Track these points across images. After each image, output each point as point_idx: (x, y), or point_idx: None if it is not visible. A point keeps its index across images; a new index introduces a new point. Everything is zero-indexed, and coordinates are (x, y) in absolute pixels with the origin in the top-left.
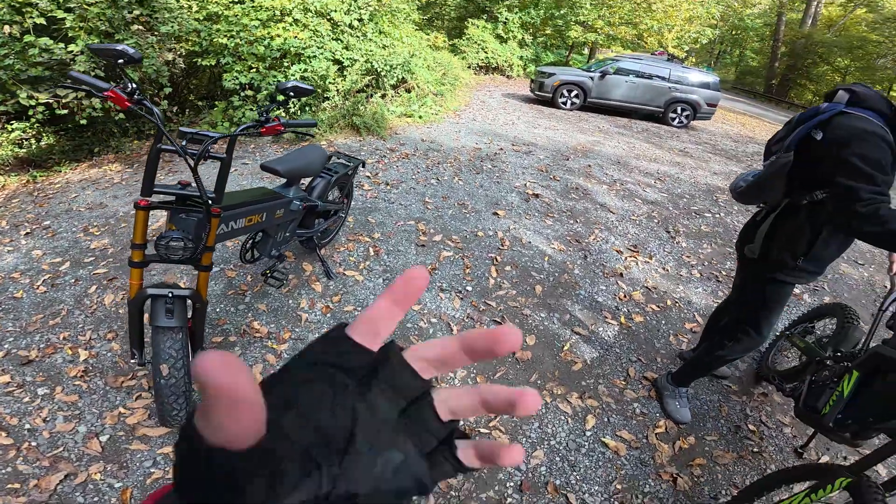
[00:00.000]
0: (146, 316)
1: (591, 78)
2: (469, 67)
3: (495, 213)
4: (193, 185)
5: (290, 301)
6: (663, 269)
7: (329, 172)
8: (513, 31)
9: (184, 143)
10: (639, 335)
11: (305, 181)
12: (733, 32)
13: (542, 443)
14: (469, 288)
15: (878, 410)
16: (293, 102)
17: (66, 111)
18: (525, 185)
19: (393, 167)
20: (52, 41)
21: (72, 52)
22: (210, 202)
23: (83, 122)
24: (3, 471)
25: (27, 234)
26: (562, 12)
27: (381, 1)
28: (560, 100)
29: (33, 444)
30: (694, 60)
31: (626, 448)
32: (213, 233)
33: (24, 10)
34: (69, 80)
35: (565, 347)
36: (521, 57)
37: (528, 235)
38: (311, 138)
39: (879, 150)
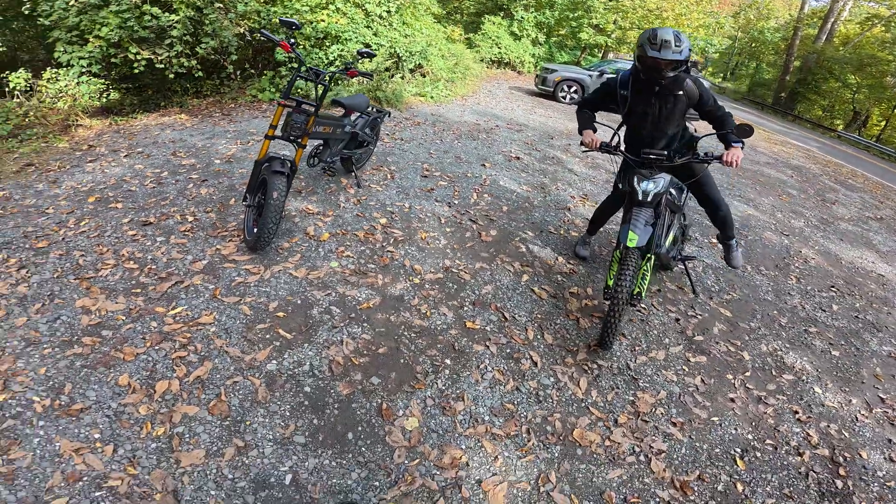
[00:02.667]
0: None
1: (590, 76)
2: (482, 61)
3: (483, 165)
4: (306, 98)
5: (332, 196)
6: None
7: (367, 114)
8: (527, 29)
9: (309, 72)
10: (570, 241)
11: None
12: (752, 45)
13: (491, 282)
14: (456, 201)
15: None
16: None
17: (162, 66)
18: (511, 151)
19: (407, 130)
20: (159, 10)
21: (171, 20)
22: (315, 109)
23: (171, 75)
24: (128, 282)
25: (126, 155)
26: (576, 14)
27: None
28: (560, 94)
29: (153, 267)
30: (711, 70)
31: (547, 296)
32: (311, 125)
33: None
34: (259, 34)
35: (515, 239)
36: (534, 54)
37: (505, 180)
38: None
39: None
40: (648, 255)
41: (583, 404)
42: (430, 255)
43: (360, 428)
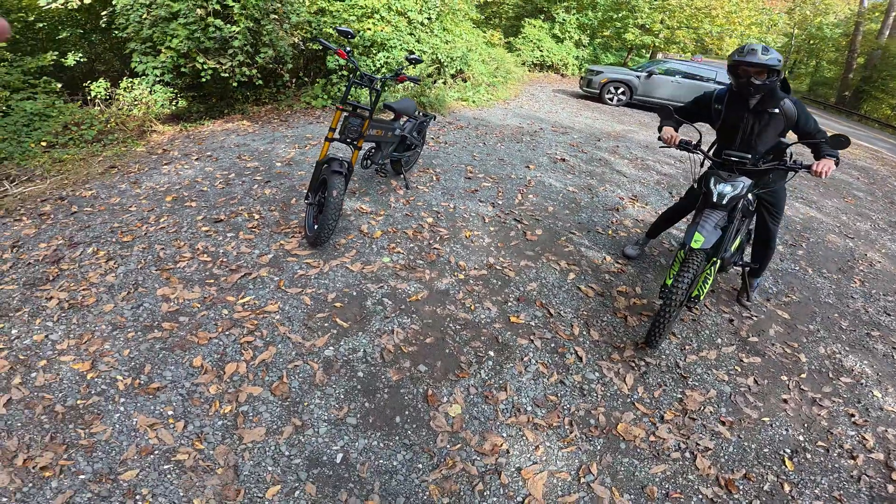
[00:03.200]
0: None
1: (638, 77)
2: (523, 64)
3: (527, 167)
4: (359, 103)
5: (383, 197)
6: (655, 212)
7: (415, 118)
8: (569, 31)
9: (362, 78)
10: (619, 241)
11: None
12: (810, 42)
13: (536, 280)
14: (500, 202)
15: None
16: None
17: (227, 75)
18: (556, 153)
19: (450, 133)
20: (222, 22)
21: (233, 31)
22: (370, 113)
23: (235, 84)
24: (203, 274)
25: (196, 159)
26: (620, 14)
27: (445, 2)
28: (607, 96)
29: (224, 259)
30: None
31: (594, 294)
32: (366, 128)
33: None
34: (318, 42)
35: (562, 238)
36: (577, 57)
37: (550, 181)
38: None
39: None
40: (714, 259)
41: (628, 400)
42: (474, 252)
43: (406, 412)
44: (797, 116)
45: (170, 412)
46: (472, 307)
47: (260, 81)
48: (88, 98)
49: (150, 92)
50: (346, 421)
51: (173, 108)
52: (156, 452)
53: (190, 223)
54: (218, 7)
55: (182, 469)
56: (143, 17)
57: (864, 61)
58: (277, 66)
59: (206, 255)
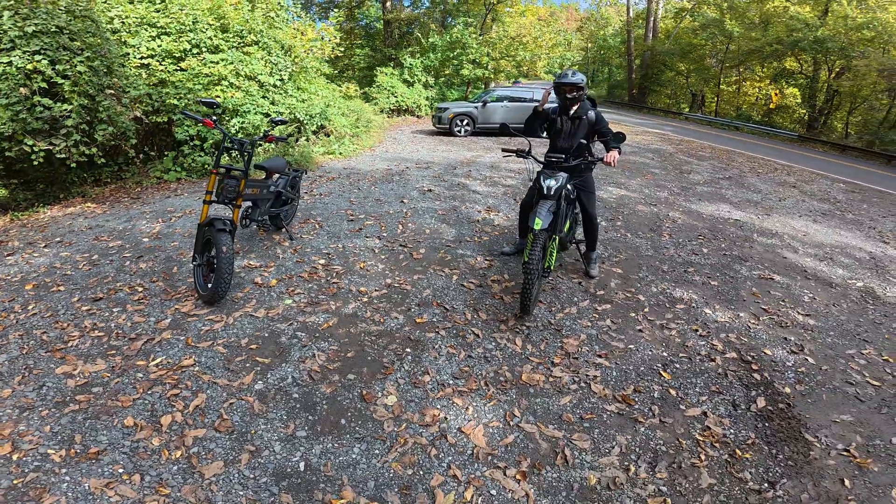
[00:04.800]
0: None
1: (476, 108)
2: (382, 111)
3: (401, 201)
4: (232, 165)
5: (269, 251)
6: (506, 216)
7: (286, 174)
8: (417, 74)
9: (232, 143)
10: (485, 244)
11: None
12: (601, 52)
13: (428, 287)
14: (384, 234)
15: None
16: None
17: (64, 156)
18: (423, 185)
19: (323, 186)
20: (50, 101)
21: (65, 109)
22: (244, 173)
23: (73, 164)
24: (101, 347)
25: (45, 246)
26: (455, 53)
27: (295, 63)
28: (455, 129)
29: (120, 331)
30: None
31: (474, 286)
32: (243, 188)
33: (32, 76)
34: (181, 115)
35: (441, 251)
36: (427, 97)
37: (423, 208)
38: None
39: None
40: (553, 236)
41: (522, 356)
42: (371, 278)
43: (349, 413)
44: (595, 122)
45: (120, 470)
46: (381, 320)
47: (102, 160)
48: None
49: None
50: (296, 435)
51: None
52: None
53: (66, 306)
54: (45, 85)
55: None
56: None
57: (640, 62)
58: (119, 142)
59: (97, 331)
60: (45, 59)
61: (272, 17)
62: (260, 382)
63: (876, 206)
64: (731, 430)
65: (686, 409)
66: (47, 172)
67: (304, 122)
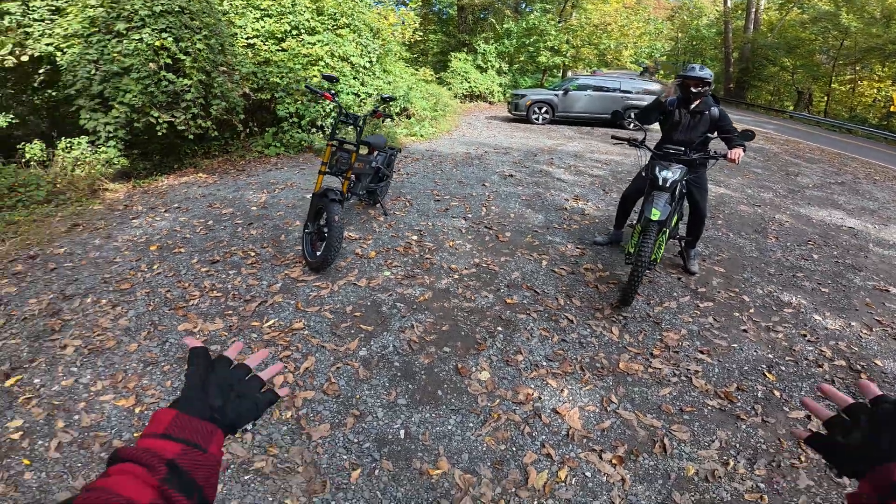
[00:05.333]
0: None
1: (557, 95)
2: (455, 97)
3: (483, 184)
4: (345, 139)
5: (367, 224)
6: (596, 206)
7: (385, 152)
8: (491, 60)
9: (347, 117)
10: (574, 232)
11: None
12: (693, 43)
13: (517, 270)
14: (469, 215)
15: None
16: (366, 115)
17: (183, 128)
18: (503, 170)
19: (409, 166)
20: (174, 76)
21: (186, 84)
22: (355, 148)
23: (190, 136)
24: (219, 307)
25: (165, 211)
26: (532, 40)
27: (381, 46)
28: (533, 116)
29: (236, 293)
30: (662, 73)
31: (566, 273)
32: (354, 160)
33: (159, 52)
34: (306, 88)
35: (528, 236)
36: (501, 84)
37: (505, 193)
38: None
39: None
40: (664, 229)
41: (620, 345)
42: (460, 256)
43: (445, 385)
44: (720, 118)
45: None
46: (472, 297)
47: (215, 133)
48: (22, 161)
49: (95, 151)
50: (397, 403)
51: (117, 166)
52: (232, 466)
53: (187, 266)
54: (169, 61)
55: (263, 476)
56: (92, 72)
57: (739, 55)
58: (229, 116)
59: (215, 292)
60: (170, 36)
61: (358, 2)
62: (364, 349)
63: None
64: None
65: (790, 410)
66: (165, 144)
67: (394, 101)
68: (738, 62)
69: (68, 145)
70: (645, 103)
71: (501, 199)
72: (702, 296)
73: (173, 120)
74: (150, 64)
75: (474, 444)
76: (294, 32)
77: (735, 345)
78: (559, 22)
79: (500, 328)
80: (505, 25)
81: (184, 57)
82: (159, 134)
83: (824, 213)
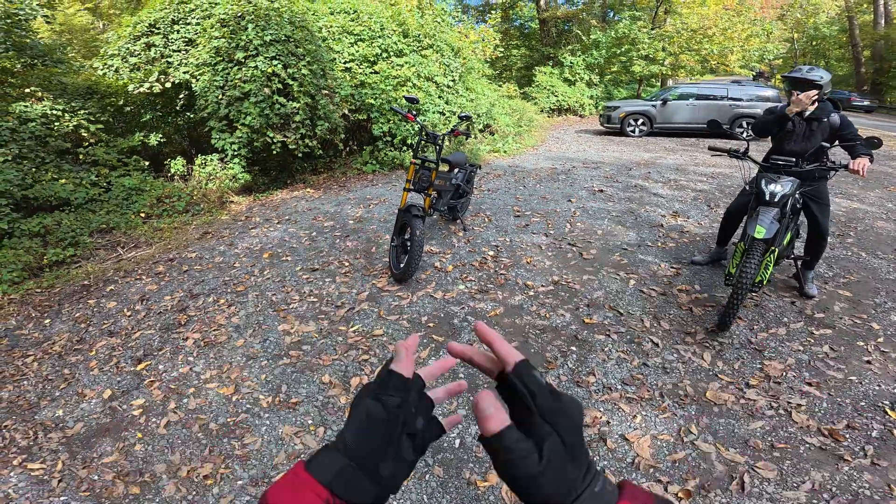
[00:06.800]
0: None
1: (654, 106)
2: (542, 111)
3: (569, 200)
4: (427, 157)
5: (447, 239)
6: (698, 223)
7: (465, 169)
8: (579, 73)
9: (427, 136)
10: (670, 250)
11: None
12: (812, 44)
13: (600, 289)
14: (552, 232)
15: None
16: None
17: (294, 147)
18: (593, 185)
19: (491, 182)
20: (284, 100)
21: (295, 107)
22: (435, 165)
23: (300, 154)
24: (314, 311)
25: (278, 222)
26: (623, 49)
27: (463, 64)
28: (628, 129)
29: (329, 299)
30: (778, 77)
31: (656, 294)
32: (434, 178)
33: (271, 78)
34: (391, 109)
35: (616, 254)
36: (591, 96)
37: (593, 209)
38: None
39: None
40: (772, 248)
41: (710, 372)
42: (537, 273)
43: None
44: (841, 126)
45: (309, 421)
46: (547, 315)
47: (320, 151)
48: (168, 174)
49: (223, 167)
50: (456, 413)
51: (242, 181)
52: (303, 455)
53: (291, 273)
54: (280, 86)
55: None
56: (219, 97)
57: (870, 53)
58: (332, 136)
59: (312, 297)
60: (279, 63)
61: (439, 22)
62: (433, 358)
63: None
64: None
65: None
66: (279, 161)
67: (473, 120)
68: (869, 62)
69: (203, 162)
70: (758, 111)
71: (588, 216)
72: (818, 322)
73: (285, 139)
74: (265, 89)
75: None
76: (384, 55)
77: (853, 377)
78: (652, 29)
79: (573, 348)
80: (592, 36)
81: (292, 82)
82: (274, 152)
83: None
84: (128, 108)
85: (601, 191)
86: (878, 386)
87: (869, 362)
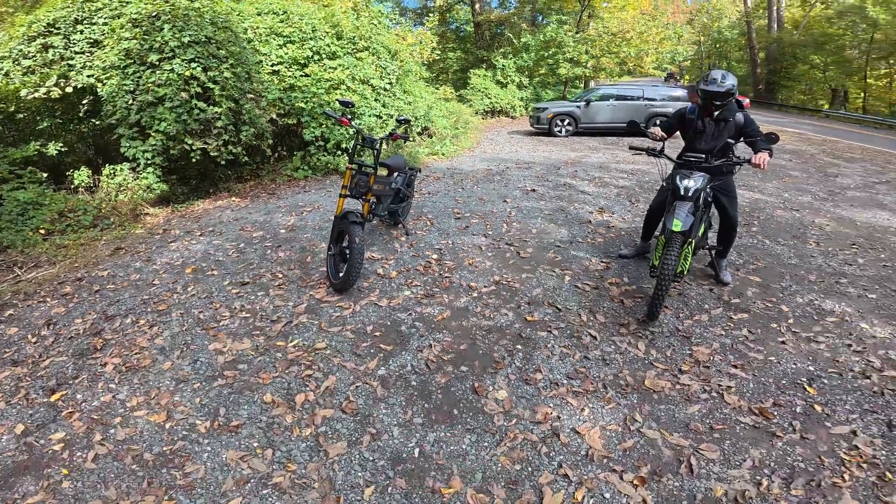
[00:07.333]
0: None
1: (579, 107)
2: (476, 113)
3: (504, 201)
4: (364, 162)
5: (389, 245)
6: (622, 218)
7: (405, 173)
8: (510, 75)
9: (364, 141)
10: (599, 245)
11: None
12: (716, 46)
13: (539, 286)
14: (490, 233)
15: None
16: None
17: (215, 154)
18: (525, 185)
19: (431, 185)
20: (204, 104)
21: (216, 112)
22: (373, 170)
23: (223, 161)
24: (248, 328)
25: (200, 234)
26: (550, 52)
27: (400, 67)
28: (555, 129)
29: (264, 314)
30: (687, 78)
31: (590, 288)
32: (372, 183)
33: (189, 82)
34: (324, 113)
35: (550, 252)
36: (522, 98)
37: (527, 208)
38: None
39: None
40: (689, 240)
41: (646, 361)
42: (480, 274)
43: (461, 404)
44: (745, 124)
45: (255, 444)
46: (492, 316)
47: (246, 158)
48: (71, 187)
49: (136, 177)
50: (413, 422)
51: (157, 191)
52: (252, 481)
53: (219, 288)
54: (199, 90)
55: (281, 490)
56: (129, 102)
57: (765, 55)
58: (259, 142)
59: (245, 312)
60: (199, 66)
61: (375, 24)
62: (383, 368)
63: None
64: (884, 452)
65: (832, 426)
66: (199, 170)
67: (411, 123)
68: (764, 63)
69: (112, 172)
70: (670, 110)
71: (523, 215)
72: (736, 307)
73: (206, 146)
74: (182, 93)
75: (489, 463)
76: (316, 58)
77: (772, 358)
78: (577, 32)
79: (519, 346)
80: (522, 39)
81: (213, 85)
82: (193, 160)
83: (868, 214)
84: (20, 115)
85: (533, 190)
86: (795, 364)
87: (783, 342)
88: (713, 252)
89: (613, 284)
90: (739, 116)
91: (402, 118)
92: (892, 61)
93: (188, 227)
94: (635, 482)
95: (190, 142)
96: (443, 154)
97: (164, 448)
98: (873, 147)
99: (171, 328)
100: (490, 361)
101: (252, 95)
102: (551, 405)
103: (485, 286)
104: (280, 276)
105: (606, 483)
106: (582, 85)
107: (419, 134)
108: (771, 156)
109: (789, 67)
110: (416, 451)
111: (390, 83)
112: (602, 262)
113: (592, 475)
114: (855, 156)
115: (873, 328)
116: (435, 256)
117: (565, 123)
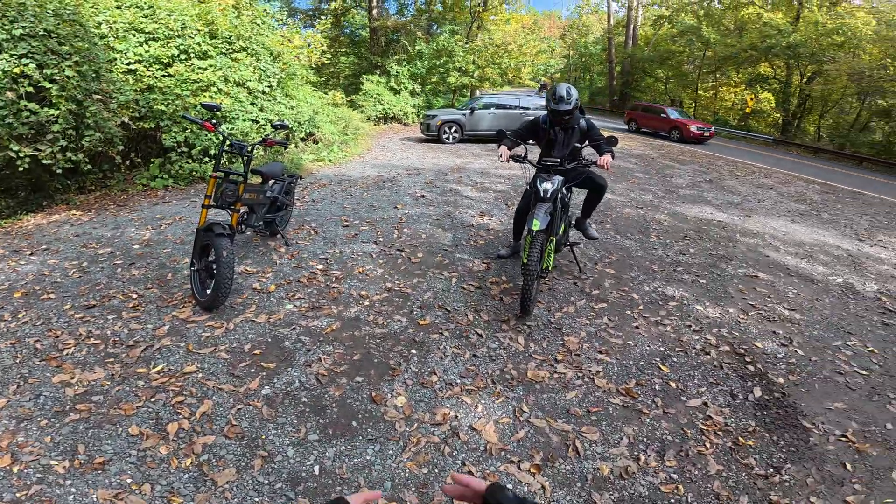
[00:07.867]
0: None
1: (464, 115)
2: (369, 119)
3: (395, 207)
4: (231, 169)
5: (265, 256)
6: (500, 221)
7: (282, 180)
8: (404, 82)
9: (232, 147)
10: (481, 247)
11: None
12: (583, 59)
13: (429, 290)
14: (381, 239)
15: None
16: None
17: (50, 162)
18: (415, 191)
19: (315, 192)
20: (37, 106)
21: (52, 114)
22: (244, 178)
23: (59, 171)
24: (98, 355)
25: (31, 254)
26: (441, 61)
27: (283, 70)
28: (444, 136)
29: (117, 339)
30: None
31: (474, 288)
32: (241, 192)
33: (18, 80)
34: (183, 117)
35: (439, 255)
36: (414, 105)
37: (417, 214)
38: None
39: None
40: (551, 238)
41: (526, 354)
42: (371, 282)
43: (360, 415)
44: (588, 129)
45: (129, 480)
46: (384, 323)
47: (89, 166)
48: None
49: None
50: (308, 439)
51: None
52: None
53: (58, 313)
54: (31, 89)
55: None
56: None
57: (620, 69)
58: (106, 148)
59: (93, 339)
60: (32, 62)
61: (258, 24)
62: (267, 388)
63: (850, 206)
64: (732, 419)
65: (687, 399)
66: (31, 179)
67: (293, 129)
68: (620, 75)
69: None
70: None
71: (413, 221)
72: (596, 298)
73: (38, 153)
74: (8, 93)
75: (396, 470)
76: (183, 57)
77: (630, 342)
78: (466, 43)
79: (413, 351)
80: (417, 47)
81: (49, 85)
82: (20, 169)
83: (696, 209)
84: None
85: (423, 196)
86: (649, 346)
87: (637, 327)
88: (575, 249)
89: (494, 283)
90: (583, 122)
91: (278, 123)
92: (718, 75)
93: (15, 245)
94: (532, 470)
95: (16, 148)
96: (330, 160)
97: (18, 494)
98: (700, 151)
99: (1, 361)
100: (386, 369)
101: (100, 96)
102: (448, 406)
103: (376, 293)
104: (134, 296)
105: (507, 474)
106: (469, 94)
107: (303, 140)
108: (613, 157)
109: (639, 80)
110: (317, 468)
111: (270, 86)
112: (483, 262)
113: (493, 468)
114: (686, 158)
115: (706, 309)
116: (320, 267)
117: (452, 130)
